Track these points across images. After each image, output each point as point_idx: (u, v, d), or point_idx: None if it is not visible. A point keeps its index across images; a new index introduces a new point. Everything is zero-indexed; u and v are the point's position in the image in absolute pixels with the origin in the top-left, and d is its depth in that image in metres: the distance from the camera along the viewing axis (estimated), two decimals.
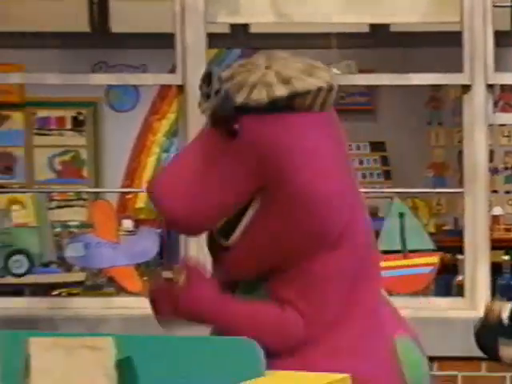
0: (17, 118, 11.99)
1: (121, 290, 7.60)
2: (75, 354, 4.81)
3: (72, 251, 8.24)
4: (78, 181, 12.03)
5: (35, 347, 4.81)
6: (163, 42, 8.52)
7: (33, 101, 11.59)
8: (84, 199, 11.80)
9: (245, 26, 10.10)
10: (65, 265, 9.70)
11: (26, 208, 11.16)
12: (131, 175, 11.60)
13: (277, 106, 4.98)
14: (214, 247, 5.24)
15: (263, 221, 5.06)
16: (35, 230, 10.59)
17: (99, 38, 10.83)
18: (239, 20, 8.91)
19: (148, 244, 7.89)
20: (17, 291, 8.95)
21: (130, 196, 11.35)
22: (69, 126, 12.12)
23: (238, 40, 10.35)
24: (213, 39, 7.81)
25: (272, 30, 9.90)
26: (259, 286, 4.99)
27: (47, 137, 12.12)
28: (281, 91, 5.01)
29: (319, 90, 5.18)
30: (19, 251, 9.27)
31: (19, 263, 9.15)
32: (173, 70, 8.05)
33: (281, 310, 4.96)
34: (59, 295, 8.73)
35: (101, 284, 7.90)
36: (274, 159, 5.06)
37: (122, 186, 11.60)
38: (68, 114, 12.00)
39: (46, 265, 9.98)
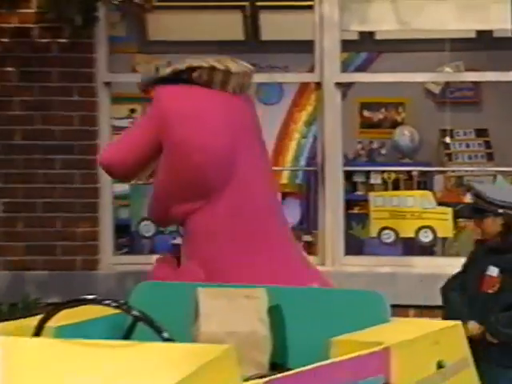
0: None
1: None
2: (235, 301, 4.82)
3: None
4: None
5: (203, 296, 4.83)
6: (303, 47, 8.50)
7: None
8: None
9: (370, 33, 9.99)
10: None
11: None
12: (277, 156, 11.53)
13: (178, 79, 5.28)
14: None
15: (158, 173, 5.34)
16: None
17: (251, 45, 10.80)
18: (368, 28, 8.86)
19: (292, 212, 7.84)
20: None
21: (275, 173, 11.33)
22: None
23: (365, 45, 10.24)
24: (344, 44, 7.75)
25: (394, 36, 9.82)
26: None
27: None
28: (180, 66, 5.32)
29: (212, 68, 5.29)
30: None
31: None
32: (311, 70, 8.02)
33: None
34: None
35: None
36: (165, 118, 5.25)
37: None
38: None
39: None
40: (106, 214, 7.69)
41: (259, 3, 10.76)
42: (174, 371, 3.39)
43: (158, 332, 3.99)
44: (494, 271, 6.00)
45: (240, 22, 11.00)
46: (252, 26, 10.90)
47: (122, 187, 9.49)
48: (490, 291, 5.99)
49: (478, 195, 6.08)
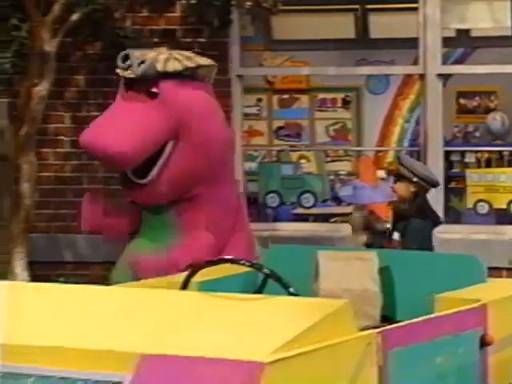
0: (303, 100, 12.01)
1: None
2: (350, 263, 4.81)
3: (343, 192, 8.27)
4: (345, 143, 11.98)
5: (322, 258, 4.82)
6: (407, 43, 8.43)
7: (315, 87, 11.61)
8: (349, 156, 11.76)
9: (467, 31, 9.84)
10: (337, 201, 9.70)
11: (310, 161, 11.24)
12: (383, 138, 11.50)
13: (184, 75, 5.02)
14: (128, 186, 5.23)
15: (178, 159, 5.03)
16: (317, 176, 10.65)
17: (361, 42, 10.75)
18: (465, 26, 8.77)
19: None
20: (304, 219, 9.00)
21: (382, 153, 11.27)
22: (339, 105, 12.06)
23: (463, 41, 10.09)
24: (444, 40, 7.70)
25: (488, 33, 9.68)
26: (169, 210, 5.13)
27: (324, 112, 12.10)
28: (189, 63, 5.09)
29: (207, 66, 5.24)
30: (307, 191, 9.34)
31: (307, 199, 9.20)
32: (415, 63, 7.97)
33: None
34: (334, 222, 8.74)
35: (364, 216, 7.80)
36: (185, 114, 5.03)
37: (376, 146, 11.53)
38: (339, 96, 11.95)
39: (325, 201, 10.01)
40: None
41: (369, 6, 10.71)
42: (299, 321, 3.40)
43: (285, 287, 4.01)
44: (396, 236, 6.12)
45: (352, 23, 10.97)
46: (362, 26, 10.86)
47: (252, 165, 9.58)
48: None
49: (401, 163, 6.25)
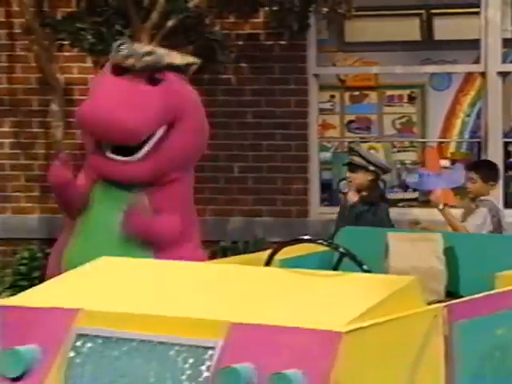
0: (372, 96, 11.91)
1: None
2: (417, 243, 4.77)
3: (409, 179, 8.22)
4: (410, 135, 11.87)
5: (392, 239, 4.79)
6: (468, 44, 8.35)
7: (383, 85, 11.53)
8: (414, 146, 11.66)
9: None
10: (404, 187, 9.63)
11: (378, 152, 11.16)
12: (445, 131, 11.36)
13: (182, 69, 4.88)
14: (107, 164, 4.81)
15: (167, 144, 4.77)
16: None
17: (426, 44, 10.66)
18: None
19: (458, 175, 7.69)
20: None
21: (444, 144, 11.16)
22: (405, 101, 11.93)
23: None
24: (504, 41, 7.62)
25: None
26: (136, 188, 4.80)
27: (392, 107, 11.98)
28: (189, 60, 4.89)
29: (196, 63, 4.98)
30: None
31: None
32: (476, 62, 7.90)
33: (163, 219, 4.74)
34: (402, 207, 8.68)
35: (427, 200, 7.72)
36: (183, 104, 4.83)
37: (439, 138, 11.44)
38: (405, 92, 11.83)
39: (392, 187, 9.94)
40: (314, 175, 7.71)
41: (434, 11, 10.62)
42: (372, 295, 3.38)
43: (359, 265, 3.99)
44: None
45: (417, 26, 10.89)
46: (427, 28, 10.77)
47: (326, 155, 9.55)
48: None
49: (356, 153, 6.06)
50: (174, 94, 4.82)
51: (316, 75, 7.71)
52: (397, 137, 11.94)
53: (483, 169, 6.73)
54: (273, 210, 7.47)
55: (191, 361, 3.17)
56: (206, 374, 3.13)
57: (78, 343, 3.33)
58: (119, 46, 4.80)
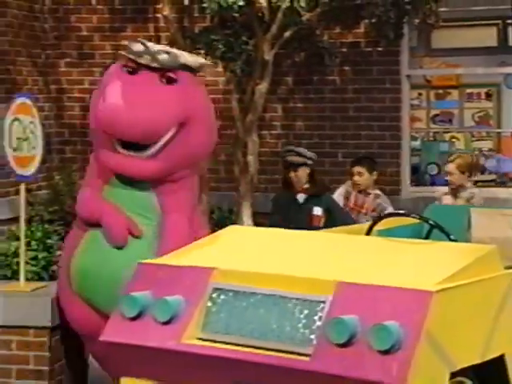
0: (454, 94, 11.72)
1: None
2: (495, 217, 4.64)
3: (488, 163, 8.01)
4: (487, 127, 11.62)
5: (474, 214, 4.68)
6: None
7: (464, 84, 11.32)
8: (490, 136, 11.40)
9: None
10: (482, 171, 9.43)
11: (459, 141, 10.95)
12: None
13: (195, 70, 4.22)
14: (119, 160, 4.05)
15: (179, 142, 4.03)
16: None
17: (502, 49, 10.37)
18: None
19: None
20: None
21: None
22: (483, 97, 11.69)
23: None
24: None
25: None
26: (146, 188, 4.10)
27: (471, 103, 11.75)
28: (203, 61, 4.27)
29: (206, 65, 4.43)
30: None
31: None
32: None
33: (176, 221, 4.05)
34: (481, 187, 8.39)
35: (504, 181, 7.49)
36: (196, 104, 4.13)
37: None
38: (483, 90, 11.59)
39: None
40: (405, 160, 7.59)
41: (508, 21, 10.32)
42: (458, 261, 3.33)
43: (447, 235, 3.92)
44: (318, 211, 5.39)
45: (494, 34, 10.64)
46: (503, 36, 10.47)
47: (415, 143, 9.43)
48: (319, 225, 5.34)
49: (294, 152, 5.46)
50: (187, 94, 4.14)
51: (408, 76, 7.57)
52: (475, 128, 11.71)
53: (367, 162, 6.25)
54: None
55: (306, 312, 3.18)
56: (318, 323, 3.13)
57: (214, 295, 3.37)
58: (133, 43, 4.17)
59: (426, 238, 4.19)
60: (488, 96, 11.63)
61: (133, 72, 4.05)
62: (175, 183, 4.13)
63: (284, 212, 5.53)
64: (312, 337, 3.12)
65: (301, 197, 5.47)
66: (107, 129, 3.99)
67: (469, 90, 11.73)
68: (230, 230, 4.05)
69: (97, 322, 4.04)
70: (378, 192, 6.11)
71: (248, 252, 3.69)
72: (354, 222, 5.33)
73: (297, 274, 3.30)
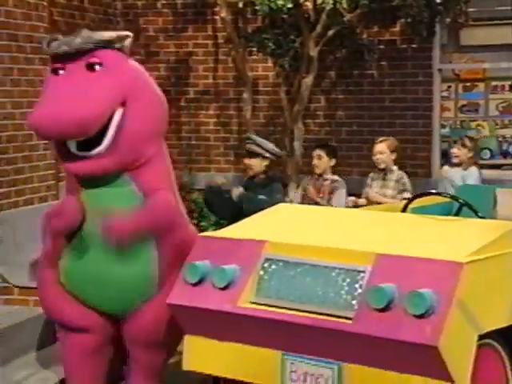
0: (480, 86, 11.51)
1: None
2: None
3: (511, 149, 7.85)
4: (510, 116, 11.39)
5: (500, 193, 4.57)
6: None
7: (489, 77, 11.11)
8: None
9: None
10: (505, 155, 9.25)
11: (484, 128, 10.76)
12: None
13: (115, 43, 3.48)
14: (74, 161, 3.40)
15: (129, 125, 3.38)
16: (491, 138, 10.18)
17: None
18: None
19: None
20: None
21: None
22: (507, 89, 11.47)
23: None
24: None
25: None
26: (120, 178, 3.45)
27: (495, 95, 11.53)
28: (122, 33, 3.46)
29: (130, 37, 3.53)
30: (486, 148, 8.97)
31: (485, 153, 8.84)
32: None
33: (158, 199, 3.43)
34: (504, 169, 8.28)
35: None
36: (131, 81, 3.43)
37: None
38: (507, 83, 11.38)
39: (494, 156, 9.58)
40: (436, 146, 7.48)
41: None
42: (485, 236, 3.25)
43: (475, 212, 3.84)
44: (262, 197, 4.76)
45: None
46: None
47: (444, 131, 9.27)
48: None
49: (253, 141, 4.92)
50: (116, 74, 3.42)
51: (439, 70, 7.42)
52: (499, 117, 11.48)
53: (328, 147, 5.83)
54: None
55: (348, 280, 3.14)
56: (359, 290, 3.09)
57: (266, 265, 3.36)
58: (49, 42, 3.46)
59: (456, 215, 4.10)
60: (511, 88, 11.39)
61: (58, 70, 3.39)
62: (146, 164, 3.48)
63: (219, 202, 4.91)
64: (353, 302, 3.08)
65: (251, 184, 4.97)
66: (45, 135, 3.35)
67: (493, 83, 11.51)
68: (280, 208, 4.03)
69: (91, 316, 3.62)
70: (335, 177, 5.66)
71: (296, 227, 3.67)
72: (280, 200, 4.83)
73: (340, 247, 3.26)
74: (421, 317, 2.86)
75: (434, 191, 4.30)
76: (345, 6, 6.15)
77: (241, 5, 6.45)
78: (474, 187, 5.15)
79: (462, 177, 5.86)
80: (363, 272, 3.12)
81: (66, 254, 3.54)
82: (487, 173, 7.81)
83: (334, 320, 3.06)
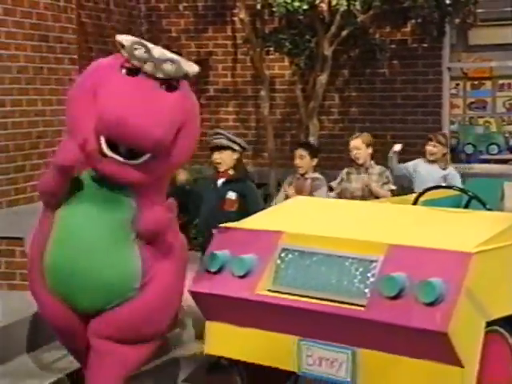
0: (488, 84, 11.36)
1: None
2: None
3: None
4: None
5: (507, 186, 4.53)
6: None
7: (496, 76, 10.97)
8: None
9: None
10: (510, 149, 9.18)
11: (492, 125, 10.60)
12: None
13: (191, 78, 3.36)
14: (115, 167, 3.20)
15: (175, 146, 3.26)
16: (499, 134, 10.05)
17: None
18: None
19: None
20: (486, 161, 8.48)
21: None
22: None
23: None
24: None
25: None
26: (126, 195, 3.25)
27: (502, 92, 11.37)
28: (197, 69, 3.32)
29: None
30: (493, 143, 8.88)
31: (493, 149, 8.76)
32: None
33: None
34: (510, 164, 8.20)
35: None
36: (190, 112, 3.29)
37: None
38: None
39: (501, 151, 9.47)
40: None
41: None
42: (493, 227, 3.22)
43: (483, 205, 3.81)
44: (232, 195, 4.53)
45: None
46: None
47: (453, 127, 9.18)
48: (232, 209, 4.52)
49: (223, 136, 4.63)
50: (185, 101, 3.34)
51: (448, 69, 7.37)
52: (506, 114, 11.37)
53: (311, 147, 5.53)
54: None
55: (361, 269, 3.13)
56: (371, 279, 3.08)
57: (283, 254, 3.35)
58: (134, 45, 3.24)
59: (465, 207, 4.08)
60: None
61: (131, 73, 3.21)
62: (156, 181, 3.33)
63: (204, 192, 4.74)
64: (366, 290, 3.07)
65: (220, 180, 4.68)
66: (113, 134, 3.12)
67: (500, 81, 11.36)
68: (296, 200, 4.02)
69: (71, 318, 3.33)
70: (316, 175, 5.44)
71: (311, 218, 3.66)
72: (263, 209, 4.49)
73: (353, 237, 3.25)
74: (431, 304, 2.85)
75: (444, 184, 4.26)
76: (358, 7, 6.12)
77: (259, 6, 6.44)
78: (482, 181, 5.11)
79: (443, 177, 5.69)
80: (375, 261, 3.10)
81: (51, 248, 3.24)
82: (495, 167, 7.77)
83: (348, 307, 3.05)
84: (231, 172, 4.60)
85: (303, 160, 5.38)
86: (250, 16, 6.92)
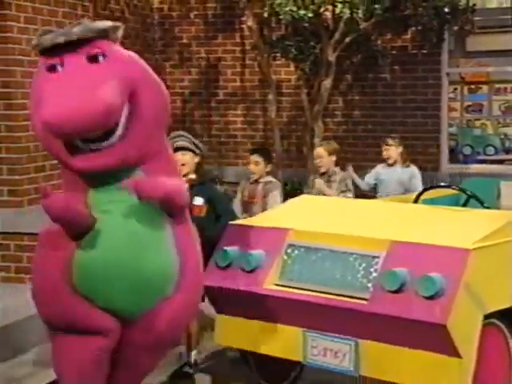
0: (484, 88, 11.35)
1: None
2: None
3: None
4: (511, 116, 11.21)
5: (503, 186, 4.51)
6: None
7: (492, 80, 10.96)
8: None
9: None
10: (507, 151, 9.12)
11: (488, 127, 10.58)
12: None
13: (110, 34, 2.93)
14: (80, 156, 2.80)
15: (140, 113, 2.83)
16: (495, 136, 10.02)
17: None
18: None
19: None
20: (482, 161, 8.46)
21: None
22: (509, 91, 11.29)
23: None
24: None
25: None
26: (134, 172, 2.83)
27: (498, 96, 11.36)
28: (116, 24, 2.92)
29: (120, 27, 2.96)
30: (490, 144, 8.85)
31: (490, 150, 8.70)
32: None
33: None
34: (507, 164, 8.13)
35: None
36: (129, 71, 2.83)
37: None
38: (509, 86, 11.18)
39: (498, 152, 9.44)
40: (444, 142, 7.39)
41: None
42: (490, 224, 3.21)
43: (481, 203, 3.79)
44: (199, 201, 4.11)
45: None
46: None
47: (451, 129, 9.17)
48: (201, 215, 4.07)
49: (187, 138, 4.24)
50: (120, 63, 2.86)
51: (447, 74, 7.34)
52: (502, 117, 11.33)
53: (265, 153, 5.21)
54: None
55: (364, 265, 3.13)
56: (374, 274, 3.08)
57: (289, 250, 3.35)
58: (42, 34, 2.86)
59: (464, 205, 4.06)
60: None
61: (55, 67, 2.81)
62: (155, 155, 2.92)
63: None
64: (369, 285, 3.07)
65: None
66: (62, 131, 2.71)
67: (496, 86, 11.35)
68: (302, 199, 4.02)
69: (104, 317, 2.80)
70: (269, 179, 5.16)
71: (317, 216, 3.65)
72: (234, 213, 4.34)
73: (357, 234, 3.25)
74: (431, 298, 2.85)
75: (443, 184, 4.26)
76: (361, 15, 6.11)
77: (266, 14, 6.44)
78: (480, 181, 5.09)
79: (407, 176, 5.62)
80: (378, 257, 3.10)
81: (86, 251, 2.79)
82: (491, 167, 7.74)
83: (351, 301, 3.05)
84: (193, 176, 4.21)
85: (258, 166, 5.10)
86: (258, 23, 6.91)
